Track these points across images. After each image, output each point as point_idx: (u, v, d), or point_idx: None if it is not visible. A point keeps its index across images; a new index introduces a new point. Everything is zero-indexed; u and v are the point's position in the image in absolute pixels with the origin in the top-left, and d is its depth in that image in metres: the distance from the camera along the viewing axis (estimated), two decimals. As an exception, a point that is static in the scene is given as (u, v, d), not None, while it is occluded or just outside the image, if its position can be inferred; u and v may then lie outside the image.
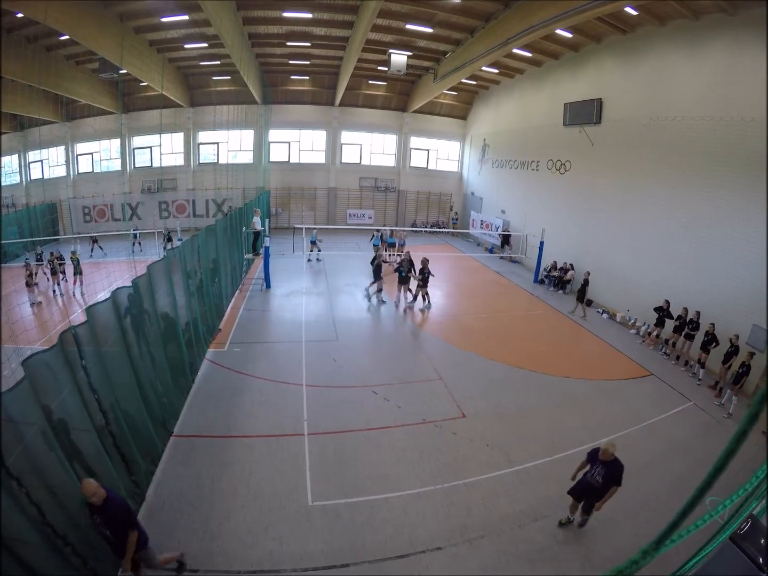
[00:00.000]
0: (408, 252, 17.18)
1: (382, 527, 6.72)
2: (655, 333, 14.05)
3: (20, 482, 4.25)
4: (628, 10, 14.04)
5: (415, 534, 6.61)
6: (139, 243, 24.13)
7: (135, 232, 24.60)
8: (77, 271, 17.37)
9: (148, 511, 6.68)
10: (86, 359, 5.38)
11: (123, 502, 5.00)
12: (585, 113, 18.46)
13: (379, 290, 16.80)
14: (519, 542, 6.56)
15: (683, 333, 12.96)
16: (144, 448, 6.98)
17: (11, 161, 29.38)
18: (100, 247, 23.91)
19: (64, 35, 16.29)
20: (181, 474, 7.59)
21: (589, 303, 17.87)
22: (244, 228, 17.96)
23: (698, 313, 12.53)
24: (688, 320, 12.76)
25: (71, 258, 17.64)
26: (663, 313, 13.66)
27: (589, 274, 17.11)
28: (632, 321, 15.68)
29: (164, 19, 18.12)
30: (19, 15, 14.51)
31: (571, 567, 6.17)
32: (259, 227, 18.71)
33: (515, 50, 18.65)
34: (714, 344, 11.67)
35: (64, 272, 17.81)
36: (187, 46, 21.83)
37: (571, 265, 19.15)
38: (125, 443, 6.23)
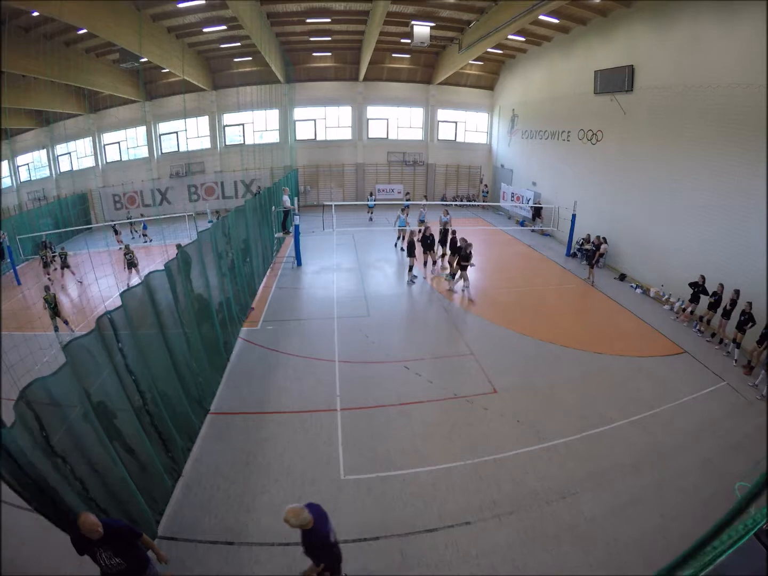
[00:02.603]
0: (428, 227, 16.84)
1: (412, 501, 6.85)
2: (689, 309, 13.59)
3: (65, 460, 4.49)
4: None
5: (444, 508, 6.71)
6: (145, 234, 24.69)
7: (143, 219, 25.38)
8: (65, 265, 18.15)
9: (186, 486, 6.98)
10: (122, 342, 5.58)
11: (119, 523, 4.66)
12: (616, 81, 17.71)
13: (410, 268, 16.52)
14: (547, 519, 6.58)
15: (717, 310, 12.54)
16: (181, 425, 7.24)
17: (40, 156, 30.32)
18: (135, 230, 24.80)
19: (81, 29, 16.54)
20: (217, 450, 7.86)
21: (623, 277, 17.49)
22: (273, 207, 18.11)
23: (737, 291, 11.95)
24: (729, 300, 12.18)
25: (60, 253, 18.44)
26: (698, 288, 13.16)
27: (599, 239, 17.57)
28: (666, 296, 15.22)
29: (180, 5, 18.19)
30: (35, 14, 14.76)
31: (598, 546, 6.16)
32: (288, 205, 18.85)
33: (542, 17, 17.96)
34: (750, 324, 11.20)
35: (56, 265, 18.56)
36: (205, 30, 21.82)
37: (604, 238, 18.66)
38: (162, 422, 6.47)
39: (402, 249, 20.25)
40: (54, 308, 12.74)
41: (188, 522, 6.35)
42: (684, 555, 1.59)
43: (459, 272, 15.34)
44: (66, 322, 13.08)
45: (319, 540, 4.65)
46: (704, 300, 13.05)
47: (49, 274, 18.26)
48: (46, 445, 4.30)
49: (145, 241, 24.03)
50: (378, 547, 6.10)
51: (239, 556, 5.93)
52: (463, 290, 15.64)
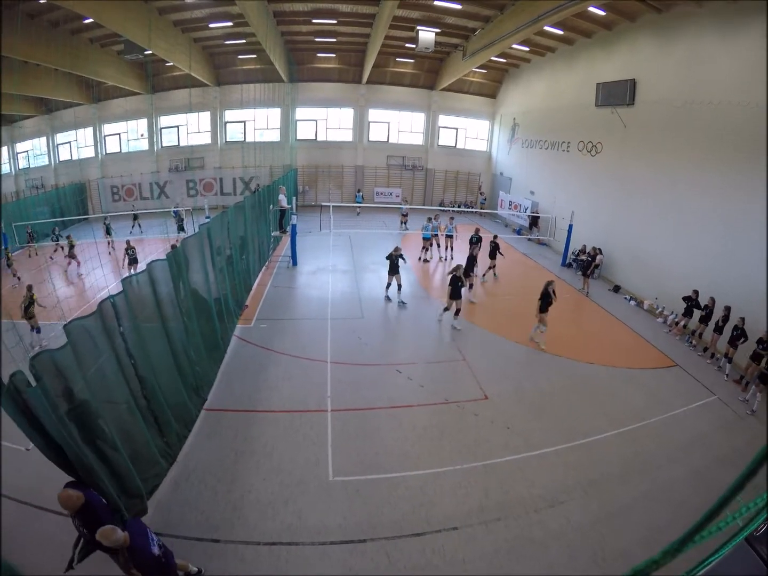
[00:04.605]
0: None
1: (400, 505, 6.83)
2: (682, 323, 13.70)
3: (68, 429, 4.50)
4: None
5: (431, 513, 6.70)
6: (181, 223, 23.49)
7: (177, 209, 24.50)
8: (72, 255, 18.25)
9: (173, 481, 6.93)
10: (123, 326, 5.61)
11: (102, 503, 4.68)
12: (618, 94, 17.84)
13: (388, 285, 15.16)
14: (534, 526, 6.58)
15: (708, 323, 12.72)
16: (178, 412, 7.20)
17: (40, 143, 30.29)
18: (139, 224, 24.52)
19: (88, 19, 16.48)
20: (207, 446, 7.83)
21: (617, 289, 17.57)
22: (271, 206, 18.10)
23: (728, 308, 12.04)
24: (722, 317, 12.23)
25: (69, 242, 18.60)
26: (691, 303, 13.32)
27: (594, 250, 17.88)
28: (660, 309, 15.31)
29: (188, -1, 18.20)
30: (42, 0, 14.77)
31: (584, 554, 6.17)
32: (285, 205, 18.83)
33: (546, 27, 18.09)
34: (743, 339, 11.30)
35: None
36: (211, 25, 21.89)
37: (599, 249, 18.77)
38: (159, 406, 6.46)
39: (426, 260, 20.20)
40: (28, 309, 11.83)
41: (174, 517, 6.32)
42: (668, 548, 1.58)
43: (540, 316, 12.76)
44: (33, 329, 12.01)
45: (141, 557, 4.53)
46: (697, 314, 13.17)
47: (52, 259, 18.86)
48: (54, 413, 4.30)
49: (179, 231, 22.78)
50: (364, 550, 6.07)
51: (224, 553, 5.90)
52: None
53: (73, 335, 4.63)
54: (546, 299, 12.22)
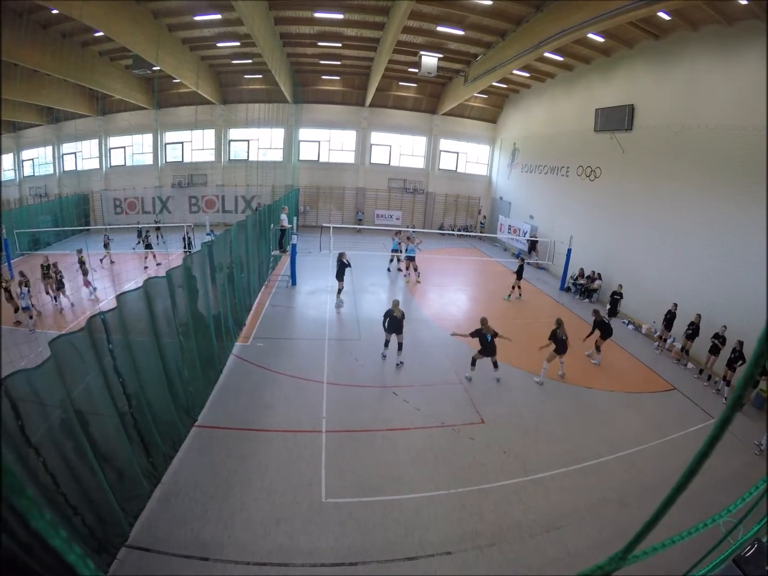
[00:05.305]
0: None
1: (393, 528, 6.72)
2: (680, 346, 13.86)
3: (38, 452, 4.42)
4: (661, 14, 13.85)
5: (425, 537, 6.59)
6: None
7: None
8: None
9: (164, 498, 6.83)
10: (113, 343, 5.55)
11: None
12: (616, 119, 18.16)
13: (339, 291, 16.38)
14: (530, 552, 6.48)
15: (694, 340, 13.11)
16: (166, 432, 7.14)
17: (45, 152, 30.60)
18: (145, 239, 21.62)
19: (98, 32, 16.75)
20: (199, 463, 7.73)
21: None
22: (272, 225, 18.16)
23: (723, 331, 12.17)
24: (721, 339, 12.27)
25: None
26: (670, 315, 14.13)
27: (594, 273, 18.50)
28: (657, 333, 15.32)
29: (197, 18, 18.58)
30: (54, 11, 15.00)
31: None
32: (286, 224, 18.92)
33: (547, 54, 18.51)
34: (741, 362, 11.32)
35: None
36: (219, 44, 22.29)
37: (598, 274, 18.84)
38: (146, 426, 6.39)
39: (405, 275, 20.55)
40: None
41: (163, 534, 6.19)
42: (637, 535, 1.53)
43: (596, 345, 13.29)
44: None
45: None
46: (681, 327, 13.74)
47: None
48: (20, 434, 4.22)
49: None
50: (356, 573, 5.96)
51: (213, 572, 5.78)
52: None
53: (58, 351, 4.56)
54: (559, 343, 11.62)
